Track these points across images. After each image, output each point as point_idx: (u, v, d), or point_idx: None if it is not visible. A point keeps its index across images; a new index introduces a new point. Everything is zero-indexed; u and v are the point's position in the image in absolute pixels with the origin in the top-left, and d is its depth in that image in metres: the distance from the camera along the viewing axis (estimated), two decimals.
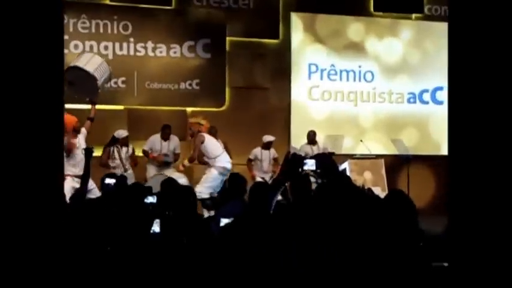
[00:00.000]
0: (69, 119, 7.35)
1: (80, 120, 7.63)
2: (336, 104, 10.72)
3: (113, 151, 8.11)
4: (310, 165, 3.07)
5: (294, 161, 3.05)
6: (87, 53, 8.01)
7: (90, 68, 7.25)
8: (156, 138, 8.85)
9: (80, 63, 7.33)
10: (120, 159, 8.10)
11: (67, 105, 8.98)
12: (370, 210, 2.59)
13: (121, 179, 4.99)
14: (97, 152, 7.14)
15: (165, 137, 8.82)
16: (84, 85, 7.30)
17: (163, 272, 2.23)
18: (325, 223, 2.50)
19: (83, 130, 7.58)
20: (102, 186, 4.49)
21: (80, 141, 7.44)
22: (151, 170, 8.59)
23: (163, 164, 8.68)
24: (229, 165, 7.90)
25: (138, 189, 3.43)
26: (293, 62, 10.59)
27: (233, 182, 4.86)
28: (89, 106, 7.92)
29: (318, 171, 3.22)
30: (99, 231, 2.71)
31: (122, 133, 8.35)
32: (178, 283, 2.21)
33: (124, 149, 8.31)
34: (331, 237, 2.38)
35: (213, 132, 8.85)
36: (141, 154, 8.89)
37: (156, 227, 1.84)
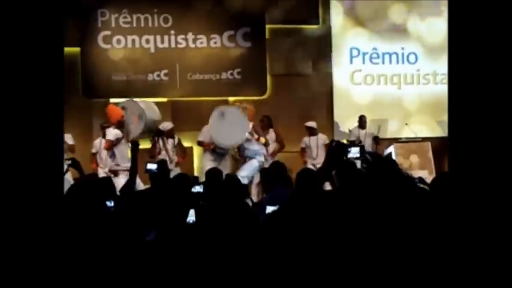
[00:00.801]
0: (115, 111, 7.52)
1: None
2: (379, 88, 10.58)
3: (159, 143, 8.24)
4: (354, 152, 3.05)
5: (338, 149, 3.02)
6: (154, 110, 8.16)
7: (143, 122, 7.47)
8: (207, 128, 8.85)
9: (147, 110, 7.54)
10: (166, 151, 8.22)
11: (124, 100, 9.30)
12: (416, 198, 2.55)
13: (162, 163, 5.10)
14: (142, 145, 7.29)
15: None
16: (132, 120, 7.53)
17: (210, 261, 2.25)
18: (369, 210, 2.48)
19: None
20: (146, 172, 4.61)
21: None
22: (206, 161, 8.49)
23: (219, 154, 8.66)
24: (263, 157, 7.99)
25: (185, 179, 3.49)
26: (334, 46, 10.49)
27: (275, 169, 4.87)
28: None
29: (362, 158, 3.19)
30: (148, 222, 2.76)
31: (167, 125, 8.45)
32: (227, 272, 2.23)
33: (170, 140, 8.42)
34: (370, 223, 2.36)
35: (265, 121, 8.86)
36: (187, 145, 8.99)
37: (191, 217, 1.86)
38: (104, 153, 8.68)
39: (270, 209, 2.96)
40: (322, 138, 9.37)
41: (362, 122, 9.54)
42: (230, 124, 7.69)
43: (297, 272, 2.06)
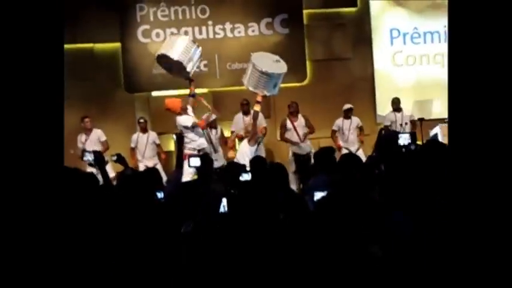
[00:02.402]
0: (174, 103, 7.66)
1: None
2: (422, 68, 10.36)
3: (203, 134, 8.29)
4: (404, 139, 2.98)
5: (388, 137, 2.97)
6: (172, 37, 8.20)
7: (172, 53, 7.46)
8: (238, 116, 8.89)
9: (164, 49, 7.59)
10: (211, 141, 8.26)
11: (165, 92, 9.39)
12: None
13: (205, 157, 5.13)
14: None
15: (246, 112, 8.79)
16: (175, 67, 7.59)
17: (259, 250, 2.24)
18: (422, 194, 2.43)
19: (189, 108, 7.82)
20: (190, 167, 4.64)
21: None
22: (245, 149, 8.49)
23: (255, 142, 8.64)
24: None
25: (234, 168, 3.49)
26: (373, 28, 10.31)
27: (322, 155, 4.83)
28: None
29: (412, 145, 3.12)
30: (193, 212, 2.78)
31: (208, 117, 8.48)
32: (277, 260, 2.23)
33: (213, 131, 8.46)
34: (424, 209, 2.31)
35: (293, 107, 8.82)
36: (228, 135, 9.03)
37: (223, 207, 1.84)
38: (143, 147, 8.86)
39: (318, 195, 2.94)
40: (355, 121, 9.26)
41: (395, 105, 9.33)
42: (271, 59, 7.64)
43: (354, 258, 2.04)
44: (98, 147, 8.42)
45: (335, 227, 2.17)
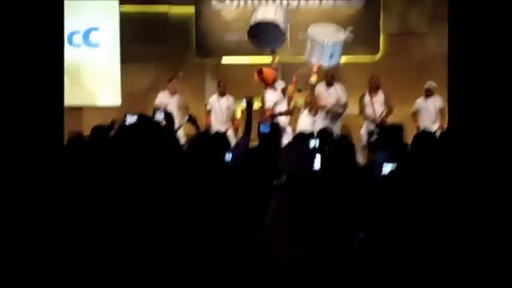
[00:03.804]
0: (269, 73, 7.60)
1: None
2: None
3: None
4: None
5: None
6: (263, 5, 8.04)
7: (272, 18, 7.36)
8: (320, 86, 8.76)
9: (260, 16, 7.43)
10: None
11: (236, 58, 9.39)
12: None
13: (275, 126, 5.14)
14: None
15: (329, 83, 8.68)
16: (268, 35, 7.46)
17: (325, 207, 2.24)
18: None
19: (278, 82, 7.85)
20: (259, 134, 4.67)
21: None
22: (305, 118, 8.43)
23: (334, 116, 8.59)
24: None
25: (301, 135, 3.50)
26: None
27: (388, 130, 4.75)
28: None
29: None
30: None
31: (279, 84, 8.45)
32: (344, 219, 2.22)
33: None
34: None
35: (373, 82, 8.68)
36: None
37: (317, 164, 1.84)
38: (218, 111, 8.93)
39: (387, 168, 2.88)
40: (438, 102, 8.92)
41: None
42: (331, 29, 7.56)
43: (423, 233, 2.01)
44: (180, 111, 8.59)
45: (403, 202, 2.14)
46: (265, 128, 4.25)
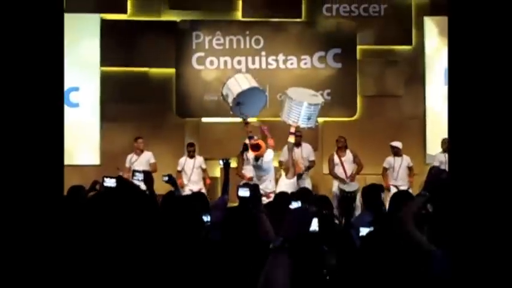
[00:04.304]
0: (259, 142, 7.67)
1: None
2: None
3: (246, 158, 8.34)
4: None
5: (438, 177, 2.92)
6: (239, 74, 8.12)
7: (255, 84, 7.53)
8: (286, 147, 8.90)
9: (247, 84, 7.56)
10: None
11: (215, 119, 9.42)
12: None
13: (254, 187, 5.13)
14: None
15: (297, 143, 8.82)
16: (251, 102, 7.57)
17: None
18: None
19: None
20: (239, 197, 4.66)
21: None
22: (284, 182, 8.53)
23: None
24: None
25: (283, 198, 3.53)
26: (427, 67, 10.23)
27: (369, 192, 4.79)
28: None
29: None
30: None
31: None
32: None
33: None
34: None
35: (341, 142, 8.82)
36: (275, 164, 9.03)
37: (314, 226, 1.87)
38: (189, 171, 8.98)
39: (364, 231, 2.90)
40: (406, 160, 9.13)
41: (445, 146, 9.15)
42: (308, 93, 7.77)
43: None
44: (146, 169, 8.59)
45: (382, 263, 2.15)
46: (244, 193, 4.22)
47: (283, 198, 3.93)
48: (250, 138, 7.78)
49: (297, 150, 8.72)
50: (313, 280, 2.23)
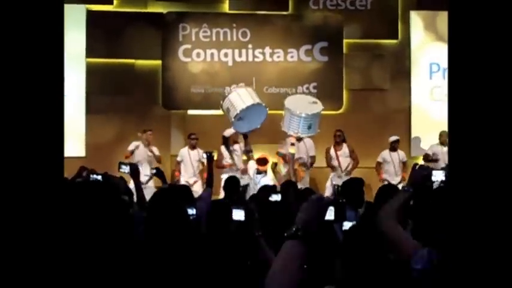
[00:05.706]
0: (263, 157, 7.65)
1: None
2: None
3: (226, 150, 8.39)
4: (438, 176, 2.89)
5: (420, 172, 2.92)
6: (241, 89, 8.06)
7: (256, 99, 7.55)
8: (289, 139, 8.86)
9: (250, 100, 7.55)
10: (232, 158, 8.31)
11: (201, 111, 9.43)
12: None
13: (249, 211, 5.17)
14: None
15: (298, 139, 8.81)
16: (252, 116, 7.58)
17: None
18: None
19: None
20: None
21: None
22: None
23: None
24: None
25: (266, 190, 3.54)
26: (413, 62, 10.29)
27: (349, 186, 4.82)
28: None
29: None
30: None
31: (229, 131, 8.45)
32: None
33: (236, 146, 8.52)
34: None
35: (338, 136, 8.85)
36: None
37: (330, 214, 1.90)
38: (189, 163, 8.95)
39: (347, 225, 2.93)
40: (401, 155, 9.21)
41: (442, 139, 9.23)
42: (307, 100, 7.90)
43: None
44: (150, 160, 8.65)
45: (364, 257, 2.17)
46: (239, 215, 4.14)
47: (266, 190, 3.95)
48: (248, 152, 7.81)
49: (300, 145, 8.70)
50: (326, 268, 2.26)
